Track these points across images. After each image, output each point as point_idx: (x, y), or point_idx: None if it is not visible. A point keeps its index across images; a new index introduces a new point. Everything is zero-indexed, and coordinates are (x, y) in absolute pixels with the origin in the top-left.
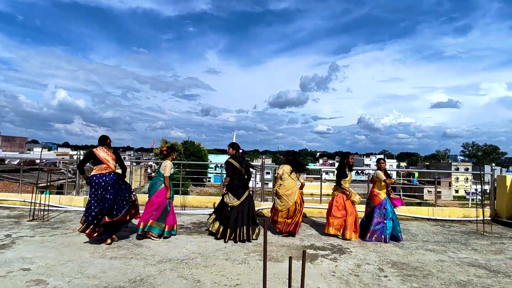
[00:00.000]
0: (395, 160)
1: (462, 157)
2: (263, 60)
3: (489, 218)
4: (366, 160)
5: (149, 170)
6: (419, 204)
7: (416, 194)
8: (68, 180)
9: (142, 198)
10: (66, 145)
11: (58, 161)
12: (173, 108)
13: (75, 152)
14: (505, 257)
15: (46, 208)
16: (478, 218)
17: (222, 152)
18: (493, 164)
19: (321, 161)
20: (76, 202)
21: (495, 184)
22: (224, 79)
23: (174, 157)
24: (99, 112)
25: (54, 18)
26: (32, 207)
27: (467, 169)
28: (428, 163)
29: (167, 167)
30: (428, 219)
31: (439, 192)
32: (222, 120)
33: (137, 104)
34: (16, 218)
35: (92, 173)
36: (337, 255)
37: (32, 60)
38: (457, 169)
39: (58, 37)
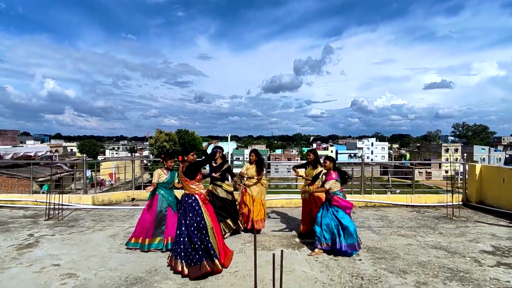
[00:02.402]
0: (387, 143)
1: (452, 138)
2: (255, 45)
3: (461, 203)
4: (359, 144)
5: (145, 161)
6: (409, 186)
7: (407, 176)
8: (66, 174)
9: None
10: (58, 136)
11: (54, 155)
12: (166, 96)
13: (68, 144)
14: (465, 240)
15: (59, 207)
16: (449, 203)
17: (217, 139)
18: (465, 155)
19: (314, 145)
20: (84, 200)
21: (466, 172)
22: (216, 65)
23: (169, 164)
24: (90, 101)
25: (38, 5)
26: (47, 206)
27: (456, 150)
28: (419, 144)
29: (154, 175)
30: (407, 206)
31: (429, 173)
32: (215, 107)
33: (129, 92)
34: (32, 218)
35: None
36: None
37: (17, 49)
38: (447, 150)
39: (43, 24)
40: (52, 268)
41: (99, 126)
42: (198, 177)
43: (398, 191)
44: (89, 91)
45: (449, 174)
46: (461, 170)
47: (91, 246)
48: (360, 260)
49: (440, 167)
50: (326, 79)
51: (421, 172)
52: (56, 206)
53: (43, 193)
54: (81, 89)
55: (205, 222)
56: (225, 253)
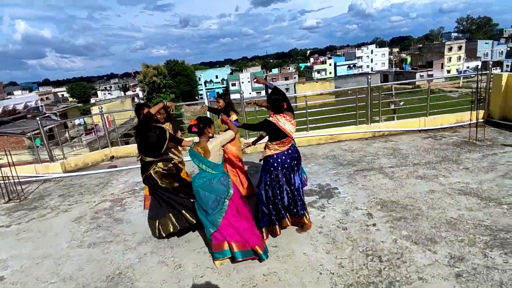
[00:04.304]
0: (387, 48)
1: (455, 34)
2: None
3: (482, 120)
4: (358, 52)
5: (136, 100)
6: (410, 92)
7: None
8: (57, 124)
9: (122, 150)
10: (47, 82)
11: (40, 105)
12: (148, 24)
13: (58, 89)
14: (496, 176)
15: (23, 181)
16: (471, 122)
17: (210, 65)
18: (491, 62)
19: (312, 59)
20: (53, 169)
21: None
22: None
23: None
24: (69, 40)
25: None
26: (4, 181)
27: (460, 47)
28: (421, 45)
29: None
30: (420, 131)
31: (431, 75)
32: (203, 30)
33: (108, 25)
34: None
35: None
36: (324, 201)
37: None
38: (450, 48)
39: None
40: None
41: (86, 65)
42: None
43: (402, 103)
44: (65, 28)
45: (451, 74)
46: (464, 69)
47: (48, 240)
48: (374, 225)
49: (442, 67)
50: None
51: (422, 75)
52: (17, 180)
53: (37, 147)
54: (57, 27)
55: None
56: None
